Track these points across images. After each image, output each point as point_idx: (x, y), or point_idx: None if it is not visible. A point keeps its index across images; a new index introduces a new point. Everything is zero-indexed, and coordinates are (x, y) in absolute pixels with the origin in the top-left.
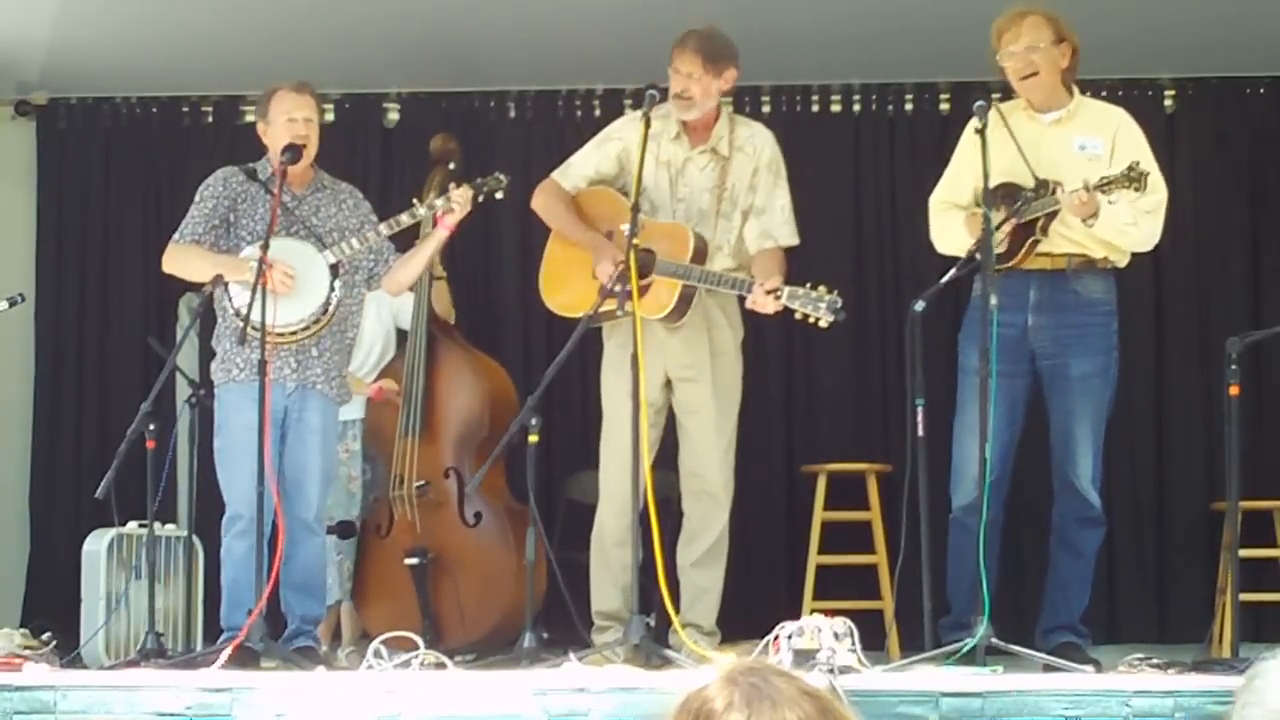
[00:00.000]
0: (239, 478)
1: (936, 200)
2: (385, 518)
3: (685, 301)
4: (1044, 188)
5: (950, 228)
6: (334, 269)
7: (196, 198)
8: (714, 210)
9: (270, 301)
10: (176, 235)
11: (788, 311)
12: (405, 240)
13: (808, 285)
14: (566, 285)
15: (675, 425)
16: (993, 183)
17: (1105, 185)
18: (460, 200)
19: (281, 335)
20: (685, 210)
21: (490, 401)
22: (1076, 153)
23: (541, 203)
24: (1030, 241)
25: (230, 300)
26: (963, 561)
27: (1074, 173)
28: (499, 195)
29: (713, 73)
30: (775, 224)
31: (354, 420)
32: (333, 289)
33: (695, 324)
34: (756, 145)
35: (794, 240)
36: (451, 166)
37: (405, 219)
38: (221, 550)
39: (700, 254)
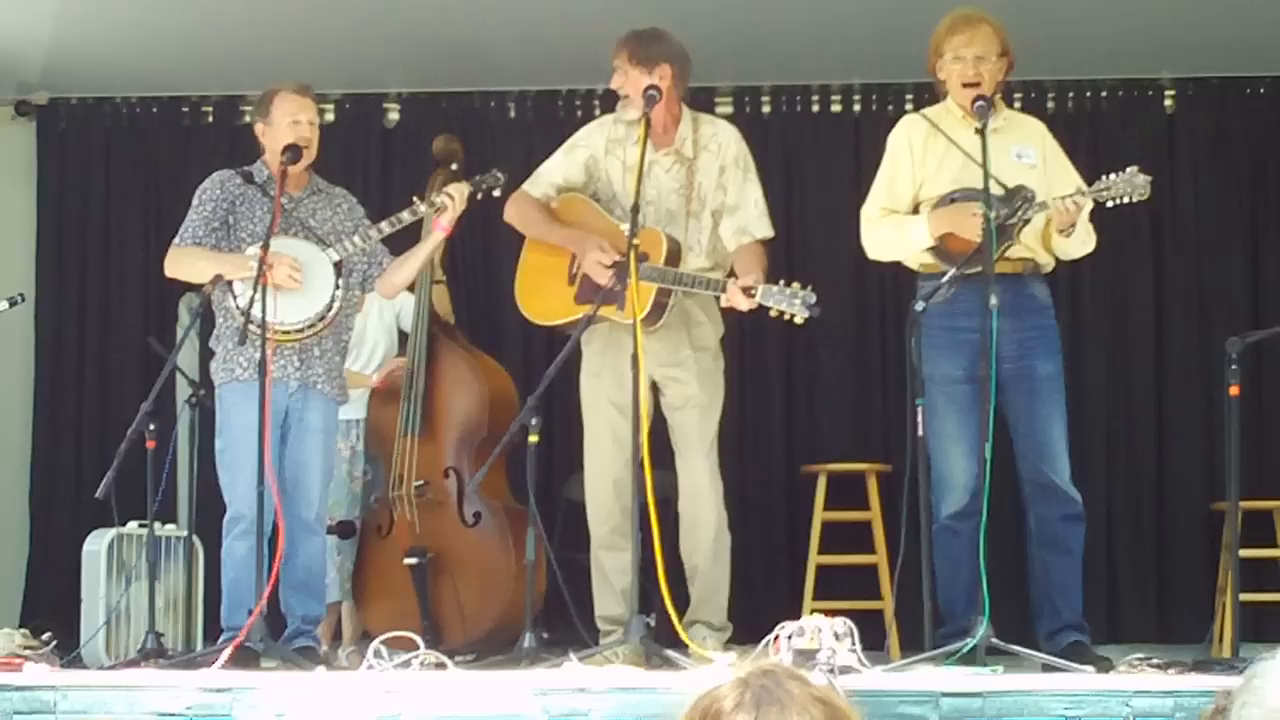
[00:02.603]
0: (241, 478)
1: (873, 209)
2: (385, 518)
3: (661, 304)
4: (1024, 196)
5: (890, 235)
6: (338, 267)
7: (195, 201)
8: (683, 211)
9: (276, 299)
10: (177, 239)
11: (764, 309)
12: (403, 243)
13: (781, 282)
14: (541, 293)
15: (666, 427)
16: (945, 189)
17: (1103, 190)
18: (454, 196)
19: (287, 333)
20: (654, 213)
21: (491, 402)
22: (1015, 161)
23: (514, 212)
24: (1004, 247)
25: (235, 299)
26: (954, 569)
27: (1015, 181)
28: (496, 193)
29: (641, 68)
30: (750, 219)
31: (356, 420)
32: (337, 287)
33: (674, 324)
34: (721, 143)
35: (769, 232)
36: (454, 167)
37: (407, 216)
38: (223, 550)
39: (673, 256)
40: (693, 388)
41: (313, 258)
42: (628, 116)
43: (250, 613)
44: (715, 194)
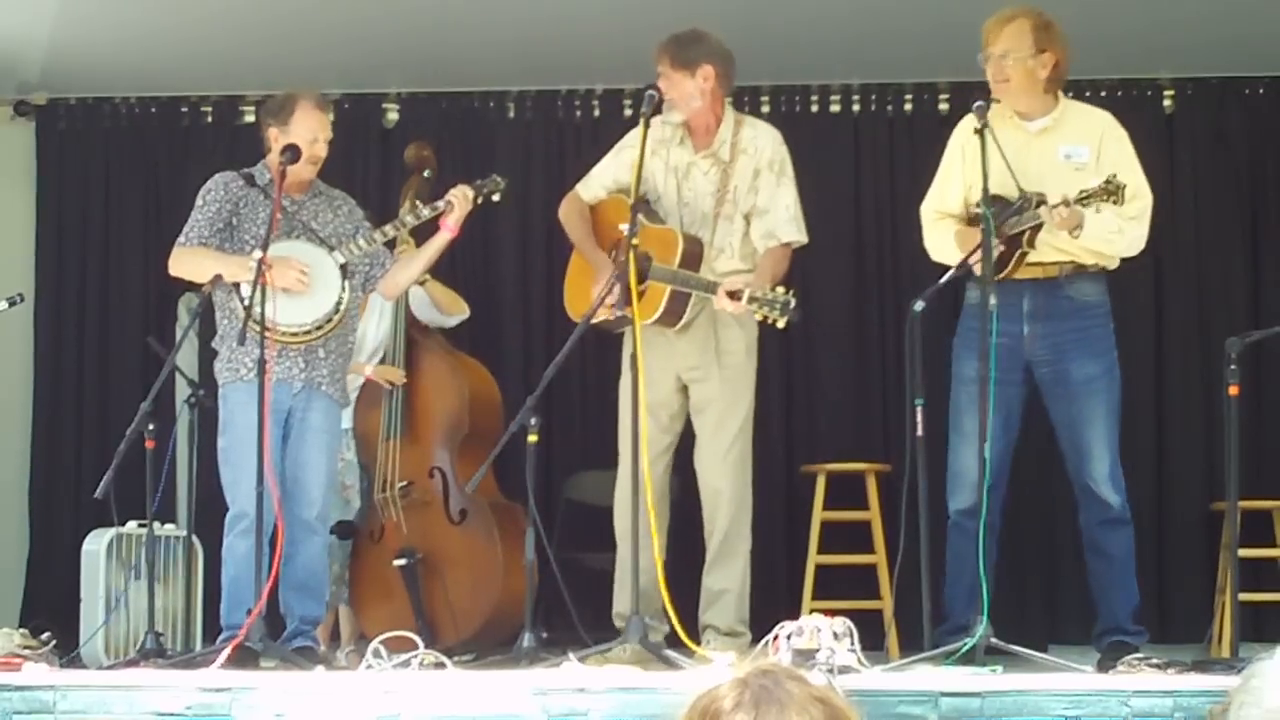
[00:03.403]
0: (244, 476)
1: (928, 210)
2: (375, 523)
3: (676, 305)
4: (1028, 200)
5: (943, 239)
6: (344, 269)
7: (199, 201)
8: (714, 213)
9: (281, 300)
10: (181, 239)
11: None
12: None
13: (768, 286)
14: (583, 295)
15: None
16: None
17: (1085, 198)
18: (459, 198)
19: (294, 335)
20: (690, 214)
21: (470, 400)
22: (1062, 162)
23: (563, 214)
24: (1018, 253)
25: (240, 300)
26: (962, 565)
27: (1060, 183)
28: (496, 198)
29: (684, 71)
30: (779, 223)
31: (347, 429)
32: (343, 290)
33: (702, 325)
34: (758, 146)
35: (800, 237)
36: (426, 174)
37: (410, 219)
38: (224, 548)
39: (690, 257)
40: (714, 391)
41: (319, 260)
42: (674, 119)
43: (250, 611)
44: (748, 197)
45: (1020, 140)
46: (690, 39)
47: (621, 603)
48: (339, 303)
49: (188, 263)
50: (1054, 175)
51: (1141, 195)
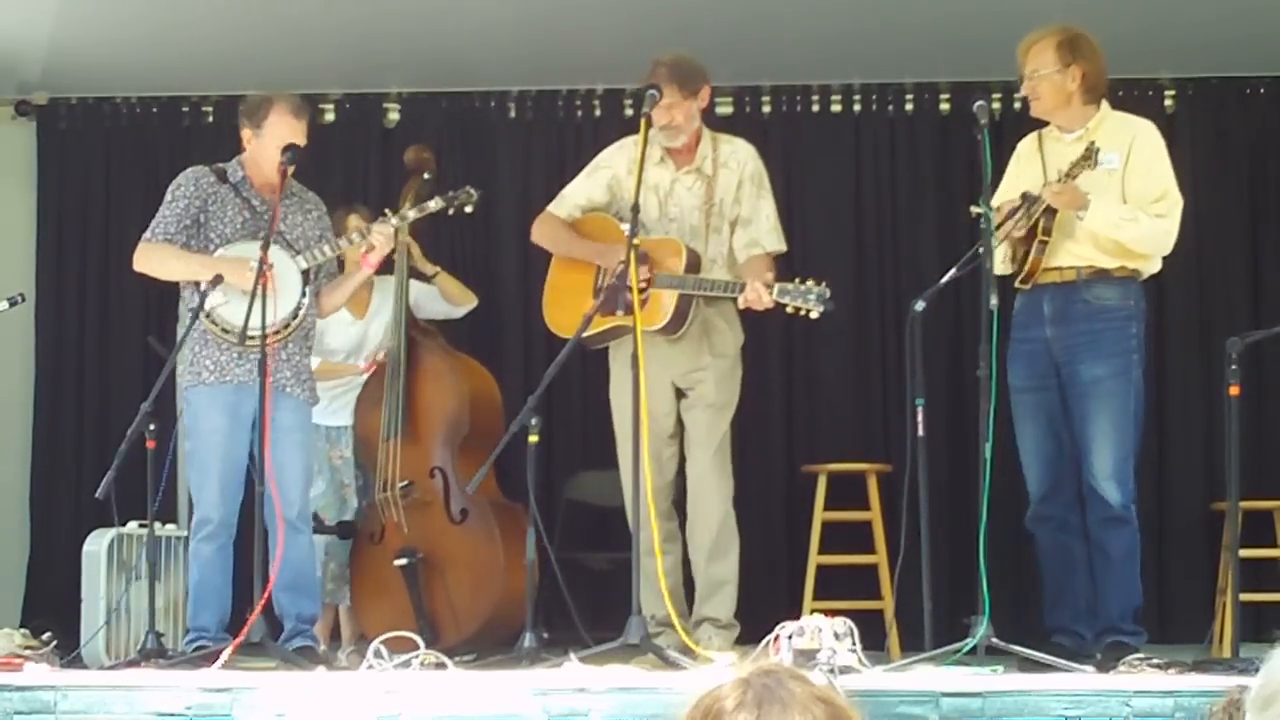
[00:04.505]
0: (208, 482)
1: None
2: (376, 523)
3: (682, 312)
4: (1027, 200)
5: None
6: (305, 275)
7: (168, 197)
8: (704, 225)
9: (240, 303)
10: (148, 234)
11: (779, 307)
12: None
13: (796, 280)
14: (567, 308)
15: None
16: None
17: (1073, 169)
18: (381, 238)
19: (251, 337)
20: (677, 229)
21: (471, 400)
22: (1094, 169)
23: (541, 232)
24: (1036, 243)
25: (202, 301)
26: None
27: (1091, 189)
28: (468, 209)
29: (689, 96)
30: (762, 232)
31: (346, 427)
32: (303, 295)
33: (694, 334)
34: (739, 160)
35: (781, 247)
36: (426, 176)
37: (396, 221)
38: (189, 552)
39: (694, 265)
40: (709, 391)
41: (282, 264)
42: (670, 142)
43: (214, 613)
44: (733, 208)
45: (1059, 151)
46: (680, 62)
47: (649, 605)
48: (298, 307)
49: (153, 259)
50: (1087, 180)
51: (1169, 195)
